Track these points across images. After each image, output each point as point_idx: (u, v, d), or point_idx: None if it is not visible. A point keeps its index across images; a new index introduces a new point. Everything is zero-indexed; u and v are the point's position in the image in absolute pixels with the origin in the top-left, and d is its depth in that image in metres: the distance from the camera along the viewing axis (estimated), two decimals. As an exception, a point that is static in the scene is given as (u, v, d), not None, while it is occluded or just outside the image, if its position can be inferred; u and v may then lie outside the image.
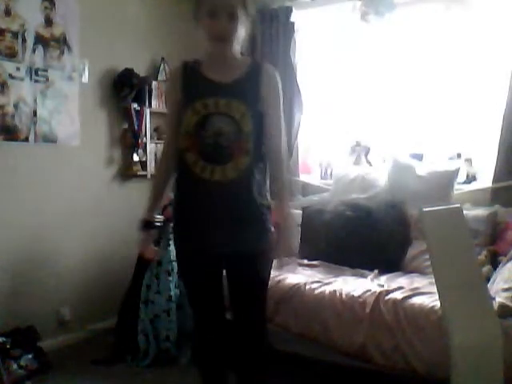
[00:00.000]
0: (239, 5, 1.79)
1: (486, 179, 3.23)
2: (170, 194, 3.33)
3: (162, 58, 3.83)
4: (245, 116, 1.79)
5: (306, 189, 3.83)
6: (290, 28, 3.75)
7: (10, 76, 2.94)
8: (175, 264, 3.06)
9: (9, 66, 2.93)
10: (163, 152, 2.01)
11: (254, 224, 1.85)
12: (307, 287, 2.64)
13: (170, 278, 3.04)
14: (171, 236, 3.06)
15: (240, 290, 1.95)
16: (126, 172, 3.63)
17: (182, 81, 1.87)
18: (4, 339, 2.71)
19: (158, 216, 2.03)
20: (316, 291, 2.60)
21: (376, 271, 2.88)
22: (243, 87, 1.83)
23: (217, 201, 1.80)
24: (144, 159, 3.69)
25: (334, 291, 2.56)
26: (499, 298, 2.19)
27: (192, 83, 1.85)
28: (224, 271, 1.99)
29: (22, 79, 3.00)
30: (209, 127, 1.77)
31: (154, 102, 3.72)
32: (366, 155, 3.62)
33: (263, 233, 1.87)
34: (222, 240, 1.83)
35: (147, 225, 1.99)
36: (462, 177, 3.25)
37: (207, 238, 1.85)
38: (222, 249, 1.85)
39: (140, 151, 3.64)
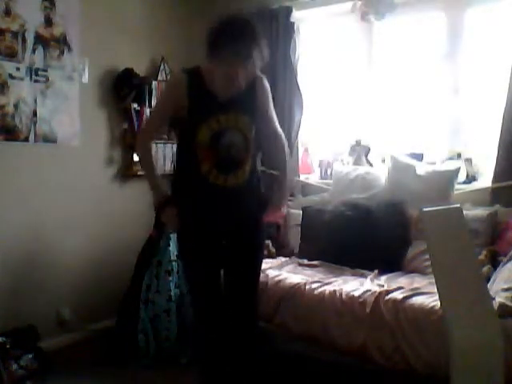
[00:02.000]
0: (258, 58, 1.93)
1: (486, 179, 3.23)
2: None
3: (162, 58, 3.83)
4: (248, 125, 2.04)
5: (306, 189, 3.83)
6: (290, 28, 3.74)
7: (10, 76, 2.94)
8: (175, 264, 3.07)
9: (9, 66, 2.93)
10: (146, 138, 2.17)
11: (255, 204, 2.14)
12: (307, 287, 2.64)
13: (170, 278, 3.04)
14: (171, 236, 3.07)
15: (238, 267, 2.15)
16: (126, 172, 3.63)
17: (189, 95, 2.00)
18: (4, 339, 2.71)
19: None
20: (316, 291, 2.60)
21: (376, 271, 2.88)
22: (244, 100, 2.03)
23: (230, 201, 2.05)
24: (144, 159, 3.69)
25: (334, 291, 2.56)
26: (499, 298, 2.19)
27: (200, 100, 2.00)
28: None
29: (21, 79, 3.00)
30: (222, 141, 1.98)
31: (153, 102, 3.72)
32: (366, 155, 3.62)
33: (261, 210, 2.14)
34: (230, 223, 2.09)
35: (168, 202, 2.10)
36: (462, 177, 3.25)
37: (218, 229, 2.09)
38: (229, 227, 2.10)
39: (140, 151, 3.64)
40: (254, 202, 2.13)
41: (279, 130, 2.20)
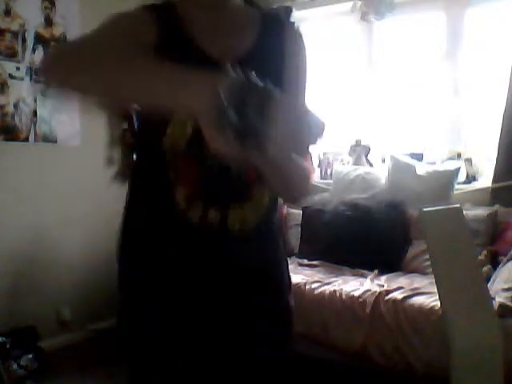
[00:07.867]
0: None
1: (486, 179, 3.23)
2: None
3: (162, 58, 3.82)
4: None
5: (306, 189, 3.83)
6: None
7: (10, 76, 2.94)
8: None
9: (9, 66, 2.93)
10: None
11: (278, 307, 1.16)
12: (307, 287, 2.64)
13: (170, 278, 3.03)
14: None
15: None
16: (126, 172, 3.63)
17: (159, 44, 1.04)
18: (4, 339, 2.71)
19: None
20: (316, 291, 2.60)
21: (376, 271, 2.88)
22: (261, 66, 0.87)
23: (230, 269, 1.07)
24: (144, 159, 3.69)
25: (334, 291, 2.56)
26: (499, 298, 2.19)
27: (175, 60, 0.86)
28: None
29: (22, 79, 3.00)
30: None
31: (154, 102, 3.72)
32: (366, 155, 3.62)
33: (289, 325, 1.18)
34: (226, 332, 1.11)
35: None
36: (462, 177, 3.25)
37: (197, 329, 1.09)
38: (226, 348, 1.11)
39: (140, 151, 3.64)
40: (277, 275, 1.16)
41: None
